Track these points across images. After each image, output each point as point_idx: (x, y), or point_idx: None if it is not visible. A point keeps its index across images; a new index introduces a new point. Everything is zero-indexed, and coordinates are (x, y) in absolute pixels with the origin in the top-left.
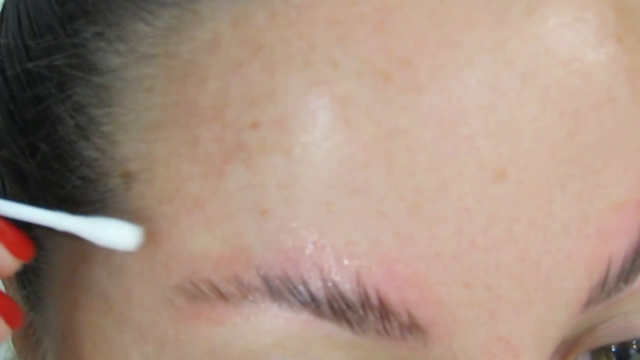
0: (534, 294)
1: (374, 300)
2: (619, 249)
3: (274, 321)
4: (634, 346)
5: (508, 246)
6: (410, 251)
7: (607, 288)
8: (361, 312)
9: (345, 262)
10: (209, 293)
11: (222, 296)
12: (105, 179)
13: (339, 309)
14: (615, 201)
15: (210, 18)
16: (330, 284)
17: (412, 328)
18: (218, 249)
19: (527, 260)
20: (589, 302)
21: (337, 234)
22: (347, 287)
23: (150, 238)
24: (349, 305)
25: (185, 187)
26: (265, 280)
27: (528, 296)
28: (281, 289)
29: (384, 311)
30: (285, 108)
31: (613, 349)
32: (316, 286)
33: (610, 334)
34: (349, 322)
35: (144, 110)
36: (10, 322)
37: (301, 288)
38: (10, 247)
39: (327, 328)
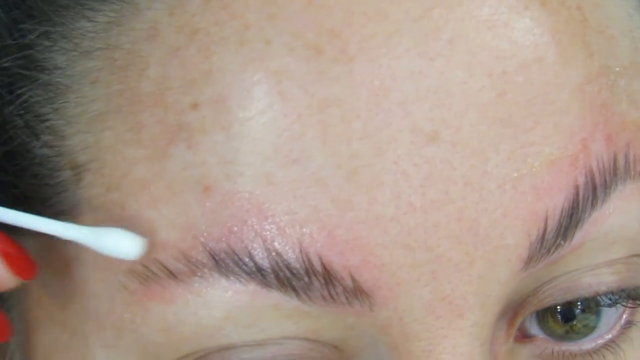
0: (474, 252)
1: (318, 266)
2: (555, 205)
3: (223, 294)
4: (579, 306)
5: (445, 206)
6: (349, 216)
7: (546, 244)
8: (306, 279)
9: (287, 230)
10: (160, 273)
11: (172, 275)
12: (57, 174)
13: (284, 277)
14: (548, 158)
15: (147, 8)
16: (274, 254)
17: (357, 292)
18: (165, 229)
19: (465, 219)
20: (530, 259)
21: (277, 204)
22: (291, 255)
23: (102, 225)
24: (293, 273)
25: (132, 172)
26: (212, 255)
27: (468, 255)
28: (227, 262)
29: (328, 276)
30: (222, 87)
31: (558, 309)
32: (260, 256)
33: (556, 294)
34: (295, 290)
35: (90, 102)
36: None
37: (246, 259)
38: (12, 266)
39: (275, 297)
